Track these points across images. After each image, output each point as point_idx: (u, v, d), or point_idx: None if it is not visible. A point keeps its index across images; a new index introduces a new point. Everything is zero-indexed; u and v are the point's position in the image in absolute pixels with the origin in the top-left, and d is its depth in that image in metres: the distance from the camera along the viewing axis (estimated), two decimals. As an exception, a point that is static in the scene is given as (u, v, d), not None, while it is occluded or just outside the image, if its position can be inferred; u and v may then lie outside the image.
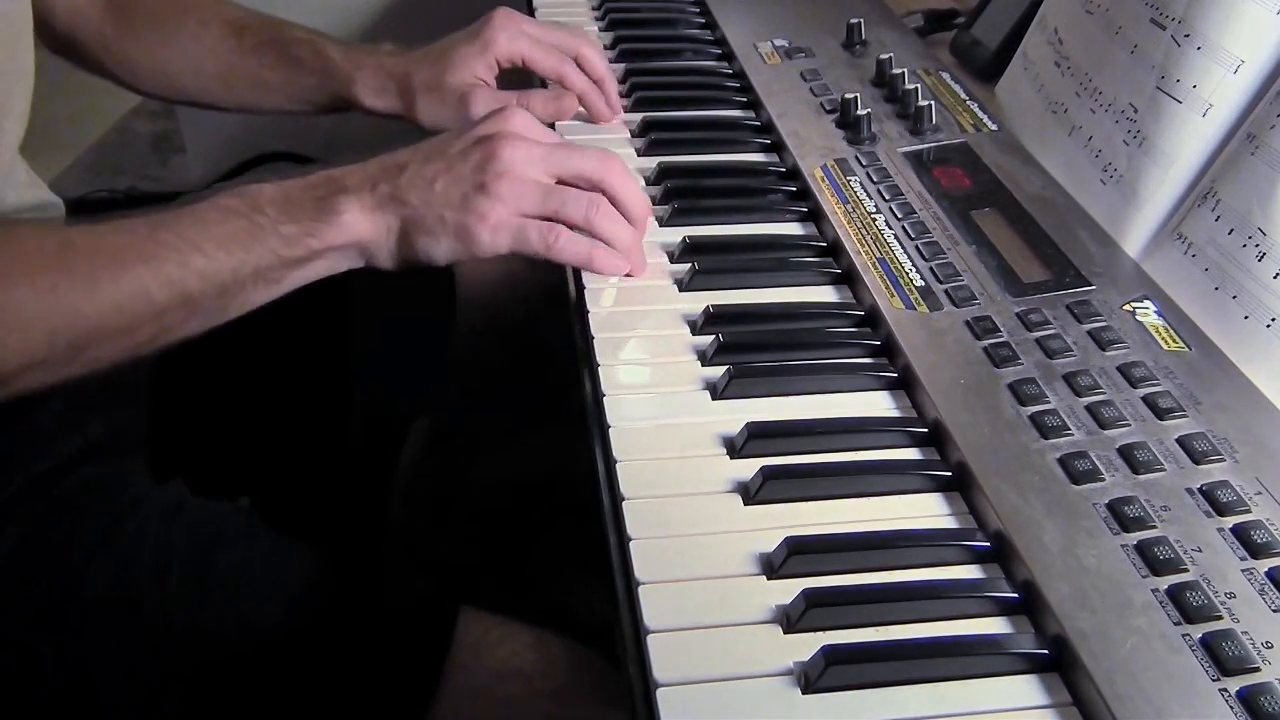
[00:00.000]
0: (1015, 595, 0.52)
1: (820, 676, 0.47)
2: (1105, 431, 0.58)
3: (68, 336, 0.61)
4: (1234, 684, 0.46)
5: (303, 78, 0.93)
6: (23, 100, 0.76)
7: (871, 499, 0.58)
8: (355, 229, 0.67)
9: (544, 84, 0.95)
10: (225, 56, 0.95)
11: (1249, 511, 0.53)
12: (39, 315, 0.60)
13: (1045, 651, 0.49)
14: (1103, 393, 0.60)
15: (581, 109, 0.93)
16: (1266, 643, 0.47)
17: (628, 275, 0.73)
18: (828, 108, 0.90)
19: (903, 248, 0.73)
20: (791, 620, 0.50)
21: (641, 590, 0.52)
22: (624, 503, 0.57)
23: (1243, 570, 0.50)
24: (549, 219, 0.70)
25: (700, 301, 0.71)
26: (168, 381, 0.88)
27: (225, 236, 0.64)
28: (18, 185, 0.78)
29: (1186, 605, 0.49)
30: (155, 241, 0.63)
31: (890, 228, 0.75)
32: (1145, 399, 0.60)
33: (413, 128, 0.92)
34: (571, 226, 0.70)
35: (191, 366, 0.89)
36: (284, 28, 0.95)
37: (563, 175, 0.70)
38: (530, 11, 1.13)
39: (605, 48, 1.03)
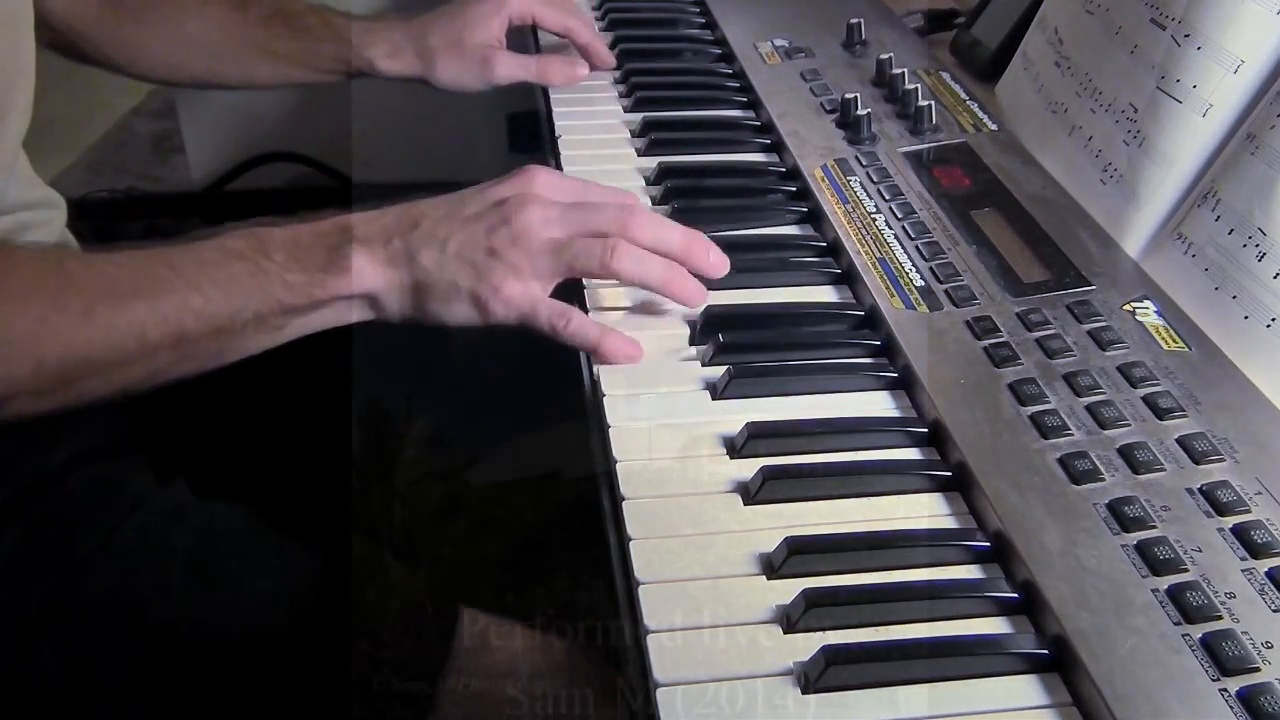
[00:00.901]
0: (1015, 595, 0.52)
1: (820, 676, 0.47)
2: (1105, 431, 0.58)
3: (55, 368, 0.60)
4: (1234, 684, 0.46)
5: (316, 45, 0.94)
6: (25, 95, 0.76)
7: (871, 499, 0.58)
8: (364, 281, 0.65)
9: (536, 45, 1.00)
10: (232, 31, 0.95)
11: (1249, 511, 0.53)
12: (27, 344, 0.59)
13: (1045, 651, 0.49)
14: (1103, 393, 0.60)
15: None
16: (1266, 643, 0.47)
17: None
18: (828, 108, 0.90)
19: (903, 248, 0.73)
20: (791, 620, 0.50)
21: (641, 590, 0.52)
22: (624, 503, 0.57)
23: (1243, 570, 0.50)
24: (567, 275, 0.68)
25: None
26: (168, 382, 0.88)
27: (227, 279, 0.62)
28: (20, 181, 0.78)
29: (1186, 605, 0.49)
30: (154, 278, 0.62)
31: (890, 228, 0.75)
32: (1145, 399, 0.60)
33: (415, 123, 0.92)
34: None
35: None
36: (286, 0, 0.96)
37: (578, 233, 0.67)
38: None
39: (605, 48, 1.04)
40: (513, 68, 0.96)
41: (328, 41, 0.94)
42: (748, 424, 0.61)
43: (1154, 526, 0.53)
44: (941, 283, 0.70)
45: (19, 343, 0.59)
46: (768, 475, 0.57)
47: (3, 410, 0.60)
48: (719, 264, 0.70)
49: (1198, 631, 0.48)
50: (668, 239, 0.69)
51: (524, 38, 1.04)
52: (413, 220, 0.67)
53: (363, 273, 0.65)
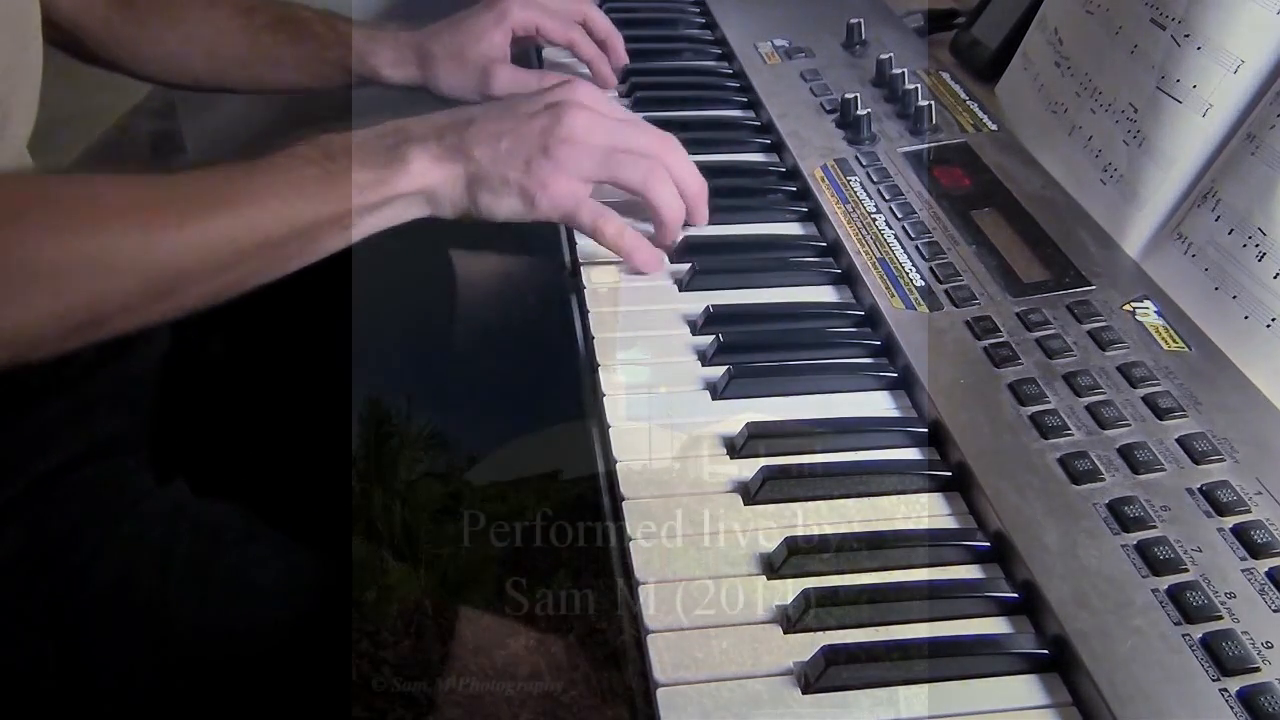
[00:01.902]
0: (1015, 595, 0.52)
1: (820, 676, 0.47)
2: (1105, 431, 0.58)
3: (160, 279, 0.62)
4: (1234, 684, 0.46)
5: (320, 53, 0.94)
6: (30, 93, 0.76)
7: (871, 499, 0.58)
8: (422, 177, 0.69)
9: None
10: (237, 37, 0.95)
11: (1249, 511, 0.53)
12: (134, 256, 0.60)
13: (1045, 651, 0.49)
14: (1103, 393, 0.60)
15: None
16: (1266, 643, 0.47)
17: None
18: (828, 108, 0.90)
19: (903, 248, 0.73)
20: (791, 620, 0.50)
21: (641, 590, 0.52)
22: (624, 503, 0.57)
23: (1243, 570, 0.50)
24: (609, 181, 0.73)
25: (700, 301, 0.71)
26: (169, 382, 0.88)
27: (301, 183, 0.66)
28: (25, 180, 0.78)
29: (1186, 605, 0.49)
30: (236, 189, 0.65)
31: (890, 228, 0.75)
32: (1145, 399, 0.60)
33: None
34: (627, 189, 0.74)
35: (193, 367, 0.89)
36: (291, 6, 0.96)
37: (622, 147, 0.72)
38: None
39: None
40: (512, 82, 0.96)
41: (332, 49, 0.94)
42: (748, 424, 0.61)
43: (1154, 526, 0.53)
44: (941, 283, 0.70)
45: (127, 257, 0.60)
46: (768, 475, 0.57)
47: (114, 325, 0.62)
48: (704, 221, 0.78)
49: (1198, 631, 0.48)
50: (690, 184, 0.76)
51: (526, 44, 1.04)
52: (467, 119, 0.71)
53: (421, 168, 0.69)
